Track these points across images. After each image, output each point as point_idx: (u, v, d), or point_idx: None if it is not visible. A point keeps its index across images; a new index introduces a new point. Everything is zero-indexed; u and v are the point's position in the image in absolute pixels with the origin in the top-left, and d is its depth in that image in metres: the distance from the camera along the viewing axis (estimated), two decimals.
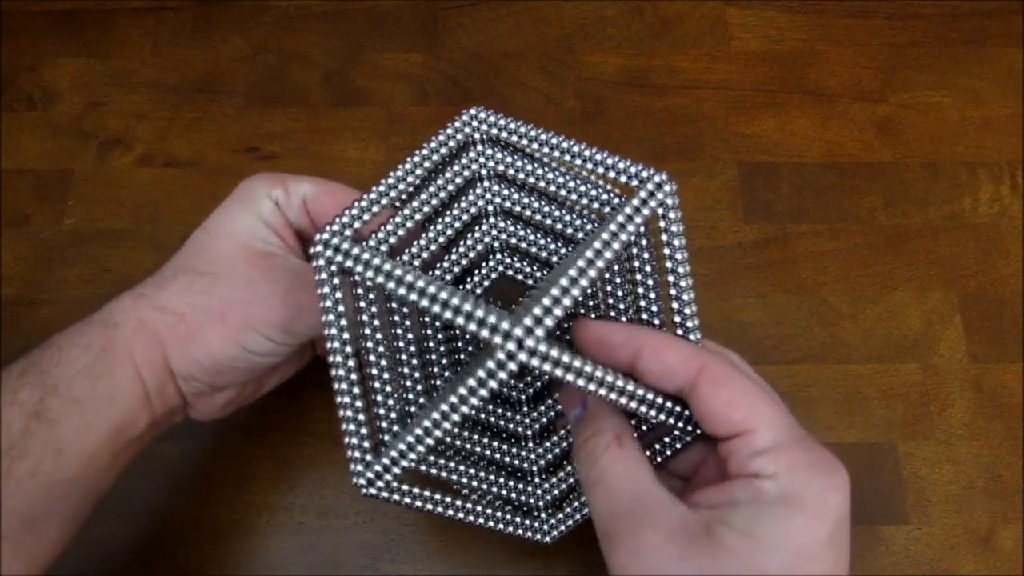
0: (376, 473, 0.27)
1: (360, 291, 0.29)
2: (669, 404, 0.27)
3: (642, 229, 0.28)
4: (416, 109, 0.47)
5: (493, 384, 0.24)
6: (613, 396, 0.25)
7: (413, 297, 0.25)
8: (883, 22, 0.50)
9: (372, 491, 0.27)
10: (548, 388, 0.34)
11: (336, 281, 0.27)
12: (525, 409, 0.34)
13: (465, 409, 0.25)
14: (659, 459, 0.29)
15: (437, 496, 0.29)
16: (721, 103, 0.47)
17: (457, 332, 0.33)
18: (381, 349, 0.29)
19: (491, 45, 0.49)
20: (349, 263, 0.26)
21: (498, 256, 0.32)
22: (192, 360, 0.30)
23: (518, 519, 0.31)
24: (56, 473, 0.27)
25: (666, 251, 0.28)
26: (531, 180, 0.29)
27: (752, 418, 0.24)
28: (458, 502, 0.30)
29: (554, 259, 0.31)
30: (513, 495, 0.31)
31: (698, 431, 0.28)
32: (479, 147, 0.29)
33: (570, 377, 0.24)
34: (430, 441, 0.26)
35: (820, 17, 0.50)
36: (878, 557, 0.37)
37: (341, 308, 0.27)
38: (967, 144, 0.46)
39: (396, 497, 0.28)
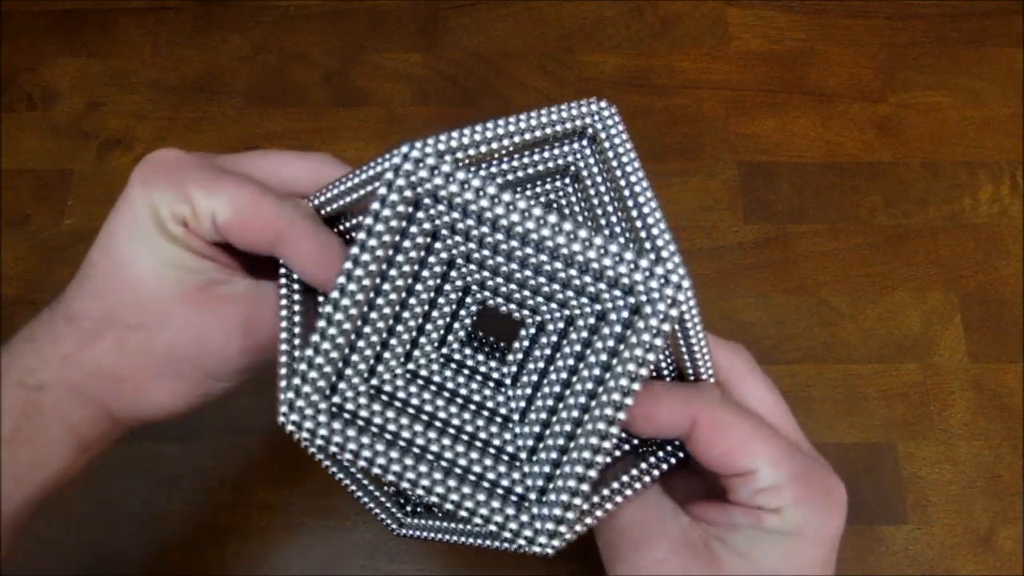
0: (295, 388, 0.23)
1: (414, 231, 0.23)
2: (664, 451, 0.26)
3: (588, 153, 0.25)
4: (416, 109, 0.47)
5: (660, 342, 0.20)
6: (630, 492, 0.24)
7: (405, 486, 0.21)
8: (883, 22, 0.50)
9: (294, 419, 0.23)
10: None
11: (402, 210, 0.22)
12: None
13: (629, 401, 0.20)
14: (655, 474, 0.27)
15: (382, 449, 0.23)
16: (721, 103, 0.47)
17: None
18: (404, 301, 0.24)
19: (491, 45, 0.49)
20: (332, 449, 0.22)
21: (477, 295, 0.26)
22: (143, 415, 0.27)
23: (488, 511, 0.26)
24: None
25: (614, 164, 0.25)
26: (501, 247, 0.24)
27: (753, 460, 0.24)
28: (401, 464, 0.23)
29: (543, 310, 0.25)
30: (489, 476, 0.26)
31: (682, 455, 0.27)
32: (428, 203, 0.23)
33: (692, 336, 0.23)
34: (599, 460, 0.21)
35: (820, 17, 0.50)
36: (878, 557, 0.37)
37: (385, 251, 0.22)
38: (967, 144, 0.46)
39: (320, 437, 0.23)
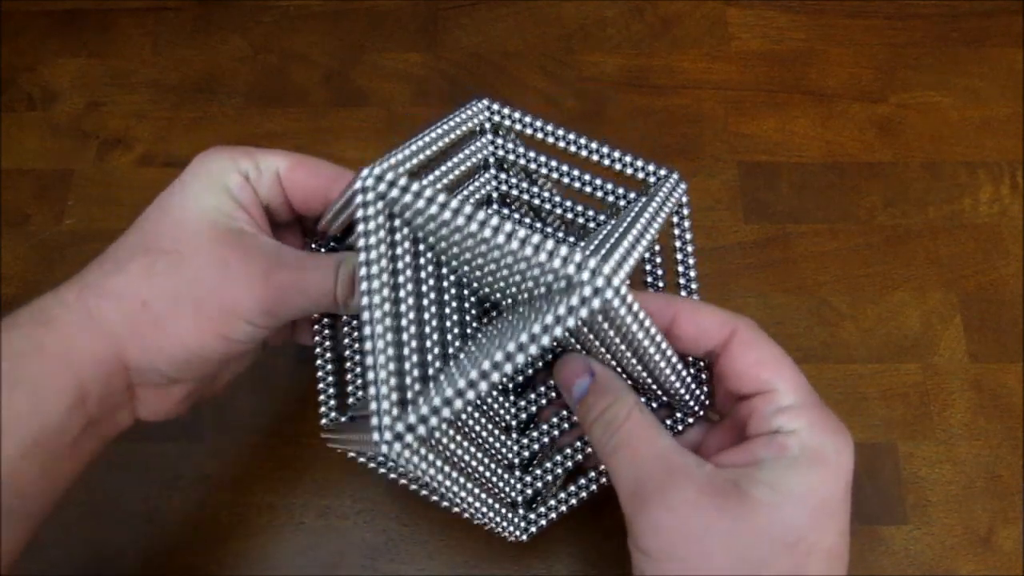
0: (408, 426, 0.24)
1: (398, 238, 0.26)
2: (689, 378, 0.28)
3: (670, 212, 0.30)
4: (416, 109, 0.47)
5: (571, 322, 0.22)
6: (657, 358, 0.26)
7: (487, 233, 0.23)
8: (883, 22, 0.50)
9: (397, 448, 0.24)
10: (532, 380, 0.34)
11: (382, 220, 0.25)
12: (512, 398, 0.33)
13: (534, 350, 0.23)
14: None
15: (447, 470, 0.27)
16: (721, 103, 0.47)
17: (488, 292, 0.31)
18: (419, 301, 0.27)
19: (491, 45, 0.49)
20: (408, 197, 0.24)
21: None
22: (159, 353, 0.27)
23: (503, 512, 0.30)
24: None
25: (677, 243, 0.31)
26: (539, 169, 0.30)
27: (776, 378, 0.26)
28: (459, 483, 0.28)
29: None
30: (500, 486, 0.31)
31: (700, 413, 0.30)
32: (488, 136, 0.30)
33: (637, 330, 0.24)
34: (484, 387, 0.23)
35: (820, 17, 0.50)
36: (878, 557, 0.37)
37: (384, 249, 0.25)
38: (967, 144, 0.46)
39: (418, 461, 0.26)
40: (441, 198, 0.23)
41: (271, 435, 0.40)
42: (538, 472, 0.32)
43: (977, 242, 0.44)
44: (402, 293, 0.26)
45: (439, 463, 0.27)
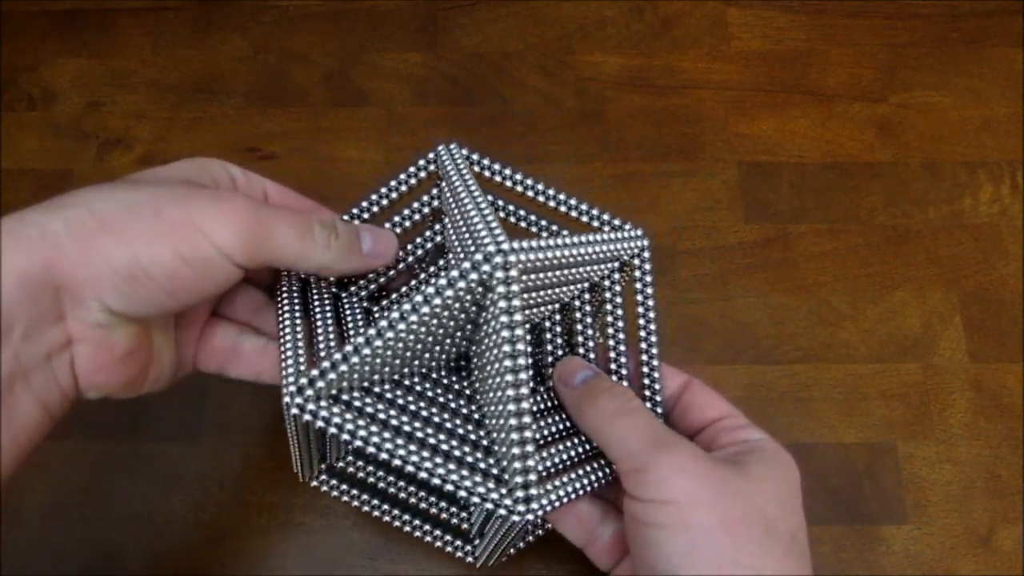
0: (309, 379, 0.25)
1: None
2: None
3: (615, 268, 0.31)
4: (416, 109, 0.47)
5: (461, 285, 0.25)
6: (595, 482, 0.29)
7: (396, 462, 0.26)
8: (883, 22, 0.50)
9: (299, 401, 0.25)
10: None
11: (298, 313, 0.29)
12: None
13: (426, 310, 0.25)
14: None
15: (375, 429, 0.26)
16: (721, 103, 0.47)
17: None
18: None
19: (491, 45, 0.49)
20: (319, 424, 0.26)
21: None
22: (101, 262, 0.23)
23: (449, 537, 0.33)
24: None
25: (638, 298, 0.31)
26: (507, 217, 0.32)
27: (732, 410, 0.30)
28: (394, 443, 0.26)
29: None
30: (447, 515, 0.33)
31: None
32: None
33: (501, 316, 0.26)
34: (378, 343, 0.25)
35: (820, 17, 0.50)
36: (878, 557, 0.37)
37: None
38: (967, 144, 0.46)
39: (326, 415, 0.26)
40: (342, 432, 0.26)
41: (271, 435, 0.40)
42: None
43: (977, 242, 0.44)
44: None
45: (353, 417, 0.26)
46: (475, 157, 0.31)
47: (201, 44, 0.50)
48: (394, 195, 0.32)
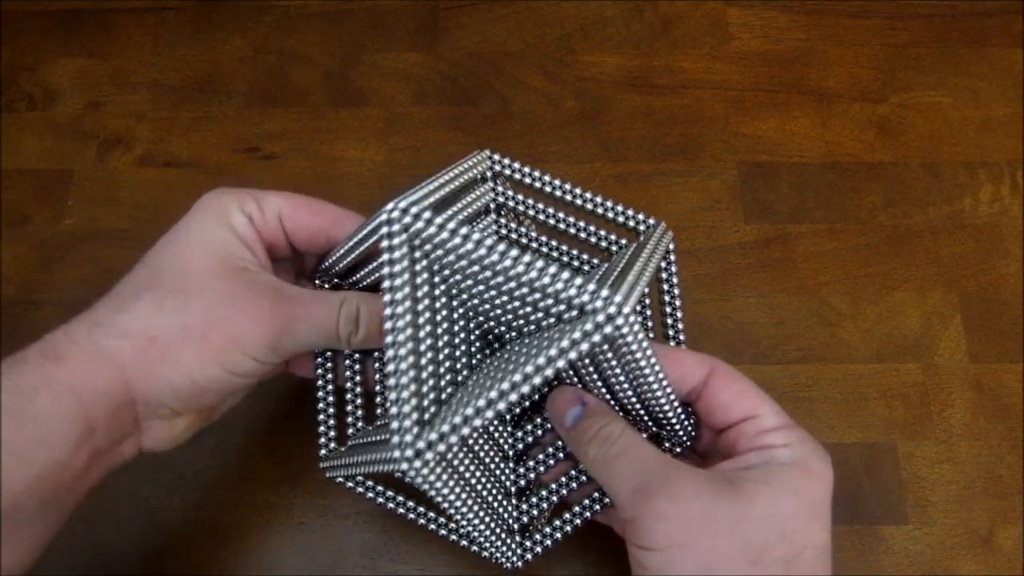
0: (428, 443, 0.24)
1: (418, 270, 0.27)
2: (680, 408, 0.30)
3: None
4: (416, 109, 0.47)
5: (585, 347, 0.23)
6: (655, 386, 0.27)
7: (507, 263, 0.24)
8: (883, 22, 0.50)
9: (417, 464, 0.24)
10: (528, 412, 0.35)
11: (406, 251, 0.25)
12: (510, 428, 0.34)
13: (549, 372, 0.24)
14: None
15: (458, 490, 0.28)
16: (721, 103, 0.47)
17: (498, 326, 0.31)
18: (435, 330, 0.28)
19: (491, 45, 0.49)
20: (432, 229, 0.25)
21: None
22: (165, 385, 0.28)
23: (502, 537, 0.32)
24: None
25: (664, 287, 0.33)
26: (536, 215, 0.32)
27: (759, 405, 0.28)
28: (468, 504, 0.29)
29: (525, 329, 0.30)
30: (499, 511, 0.32)
31: (688, 443, 0.31)
32: (489, 183, 0.31)
33: (641, 358, 0.26)
34: (502, 406, 0.24)
35: (820, 17, 0.50)
36: (878, 557, 0.37)
37: (408, 278, 0.25)
38: (967, 144, 0.46)
39: (434, 479, 0.26)
40: (464, 230, 0.24)
41: (271, 435, 0.40)
42: (533, 500, 0.33)
43: (977, 242, 0.44)
44: (421, 321, 0.26)
45: (451, 482, 0.27)
46: (516, 165, 0.33)
47: (201, 44, 0.50)
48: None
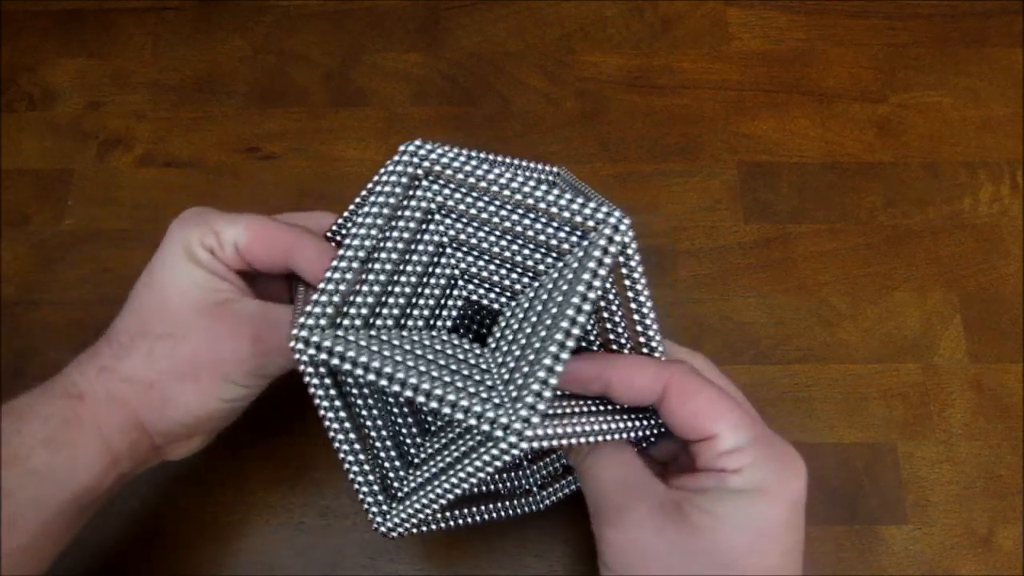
0: (396, 523, 0.29)
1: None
2: (643, 422, 0.29)
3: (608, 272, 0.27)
4: (416, 109, 0.47)
5: (491, 470, 0.25)
6: (604, 438, 0.28)
7: (407, 393, 0.24)
8: (883, 22, 0.50)
9: (393, 535, 0.29)
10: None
11: (322, 371, 0.27)
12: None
13: (465, 487, 0.27)
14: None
15: (449, 513, 0.32)
16: (721, 103, 0.47)
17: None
18: (375, 412, 0.30)
19: (491, 45, 0.49)
20: (334, 361, 0.25)
21: (461, 283, 0.30)
22: (171, 422, 0.31)
23: (516, 502, 0.33)
24: (9, 545, 0.27)
25: (627, 283, 0.28)
26: (483, 217, 0.28)
27: (715, 424, 0.27)
28: (468, 510, 0.32)
29: (517, 287, 0.29)
30: (509, 486, 0.34)
31: (652, 439, 0.31)
32: (425, 183, 0.28)
33: (563, 443, 0.26)
34: (437, 505, 0.28)
35: (820, 17, 0.50)
36: (878, 557, 0.37)
37: (333, 394, 0.27)
38: (967, 144, 0.46)
39: (414, 531, 0.29)
40: (359, 369, 0.25)
41: (271, 435, 0.40)
42: (546, 460, 0.34)
43: (977, 242, 0.44)
44: (365, 412, 0.29)
45: (440, 516, 0.31)
46: (438, 153, 0.28)
47: (201, 44, 0.50)
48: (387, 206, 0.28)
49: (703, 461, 0.27)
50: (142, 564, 0.37)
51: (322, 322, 0.26)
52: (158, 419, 0.31)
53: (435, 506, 0.28)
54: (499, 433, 0.23)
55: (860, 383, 0.41)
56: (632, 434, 0.29)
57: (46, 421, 0.29)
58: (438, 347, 0.28)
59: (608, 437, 0.28)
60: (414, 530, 0.29)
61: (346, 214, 0.33)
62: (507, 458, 0.24)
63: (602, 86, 0.48)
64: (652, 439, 0.31)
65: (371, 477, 0.29)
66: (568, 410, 0.29)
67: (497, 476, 0.33)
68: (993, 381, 0.40)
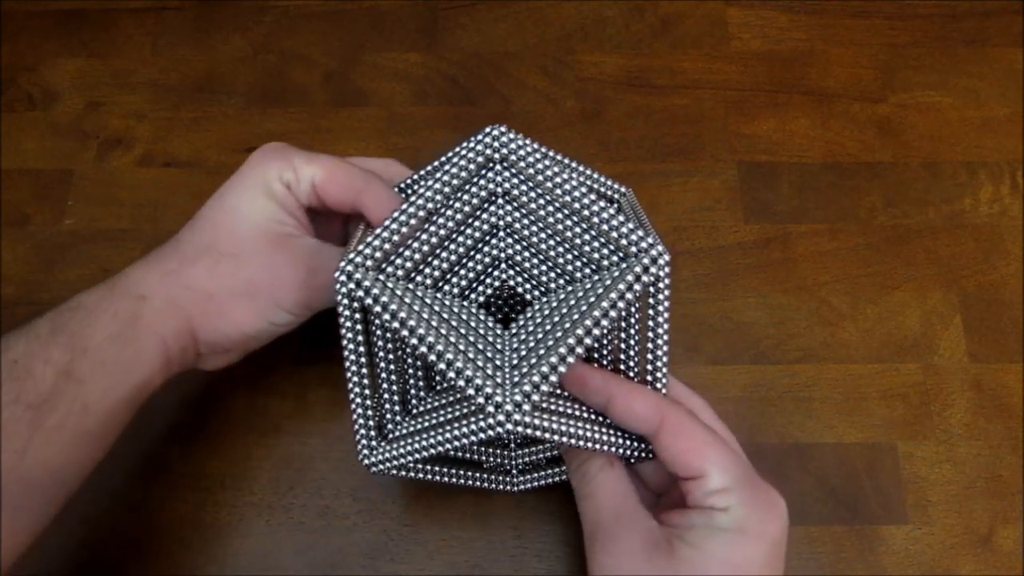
0: (379, 459, 0.31)
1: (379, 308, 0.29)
2: (630, 443, 0.30)
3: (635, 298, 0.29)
4: (416, 109, 0.47)
5: (475, 439, 0.27)
6: (589, 445, 0.29)
7: (423, 350, 0.26)
8: (883, 22, 0.50)
9: (374, 470, 0.32)
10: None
11: (356, 306, 0.30)
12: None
13: (449, 447, 0.28)
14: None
15: (429, 467, 0.34)
16: (721, 103, 0.47)
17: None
18: (391, 358, 0.32)
19: (491, 45, 0.49)
20: (368, 300, 0.27)
21: (503, 267, 0.33)
22: (220, 334, 0.33)
23: (493, 477, 0.35)
24: (80, 427, 0.30)
25: (651, 313, 0.30)
26: (540, 213, 0.30)
27: (706, 464, 0.28)
28: (447, 469, 0.34)
29: (551, 285, 0.32)
30: (493, 461, 0.35)
31: (644, 457, 0.32)
32: (498, 167, 0.30)
33: (548, 436, 0.27)
34: (420, 456, 0.30)
35: (820, 17, 0.50)
36: (878, 557, 0.37)
37: (360, 329, 0.30)
38: (967, 144, 0.46)
39: (393, 472, 0.32)
40: (388, 316, 0.27)
41: (271, 435, 0.40)
42: (533, 448, 0.35)
43: (977, 242, 0.44)
44: (381, 354, 0.32)
45: (420, 466, 0.33)
46: (523, 149, 0.30)
47: (201, 44, 0.50)
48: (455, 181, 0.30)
49: (692, 499, 0.29)
50: (142, 564, 0.37)
51: (369, 263, 0.28)
52: (211, 329, 0.33)
53: (418, 455, 0.30)
54: (490, 409, 0.25)
55: (860, 383, 0.41)
56: (618, 451, 0.30)
57: (114, 317, 0.31)
58: (464, 317, 0.30)
59: (593, 446, 0.29)
60: (394, 472, 0.32)
61: (416, 176, 0.35)
62: (491, 433, 0.26)
63: (602, 86, 0.48)
64: (633, 461, 0.31)
65: (370, 413, 0.32)
66: (566, 411, 0.30)
67: (482, 448, 0.35)
68: (993, 381, 0.40)
